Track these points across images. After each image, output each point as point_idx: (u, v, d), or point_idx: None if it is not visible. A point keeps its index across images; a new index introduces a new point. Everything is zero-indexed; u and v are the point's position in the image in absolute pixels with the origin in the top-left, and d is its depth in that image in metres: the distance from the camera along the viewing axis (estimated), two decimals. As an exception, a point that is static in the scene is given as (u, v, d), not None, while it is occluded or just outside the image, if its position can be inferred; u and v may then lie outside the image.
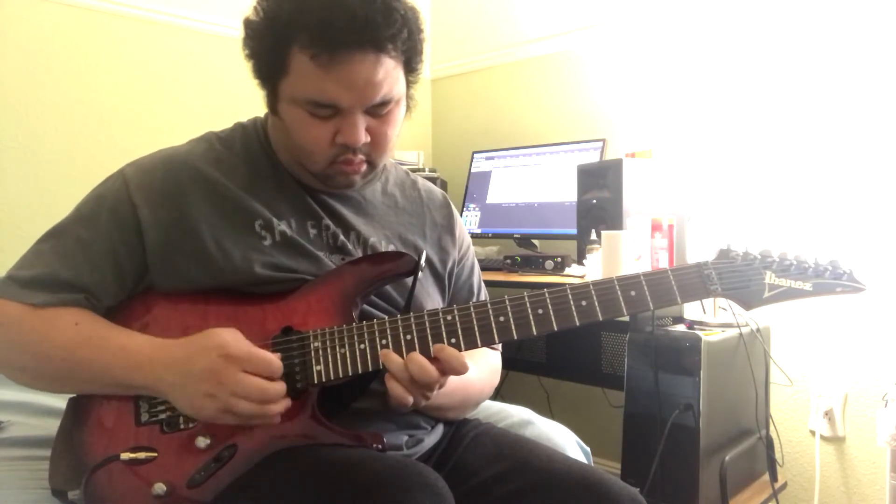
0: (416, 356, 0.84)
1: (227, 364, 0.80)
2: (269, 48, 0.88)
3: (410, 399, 0.84)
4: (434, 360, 0.84)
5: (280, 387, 0.82)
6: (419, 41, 0.93)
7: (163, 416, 0.87)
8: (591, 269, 1.80)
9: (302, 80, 0.87)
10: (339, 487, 0.78)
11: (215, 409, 0.81)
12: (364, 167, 0.96)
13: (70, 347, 0.86)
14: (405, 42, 0.89)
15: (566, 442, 1.22)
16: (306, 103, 0.88)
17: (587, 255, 1.84)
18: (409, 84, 0.96)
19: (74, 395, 0.91)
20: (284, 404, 0.83)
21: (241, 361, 0.81)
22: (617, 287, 0.86)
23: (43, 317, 0.87)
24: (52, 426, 0.92)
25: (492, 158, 2.56)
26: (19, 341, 0.88)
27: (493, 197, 2.50)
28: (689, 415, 1.57)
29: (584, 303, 0.86)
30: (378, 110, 0.91)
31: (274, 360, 0.83)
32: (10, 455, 1.11)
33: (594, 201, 1.91)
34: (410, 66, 0.94)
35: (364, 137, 0.91)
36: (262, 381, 0.81)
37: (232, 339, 0.83)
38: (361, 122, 0.90)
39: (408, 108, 0.98)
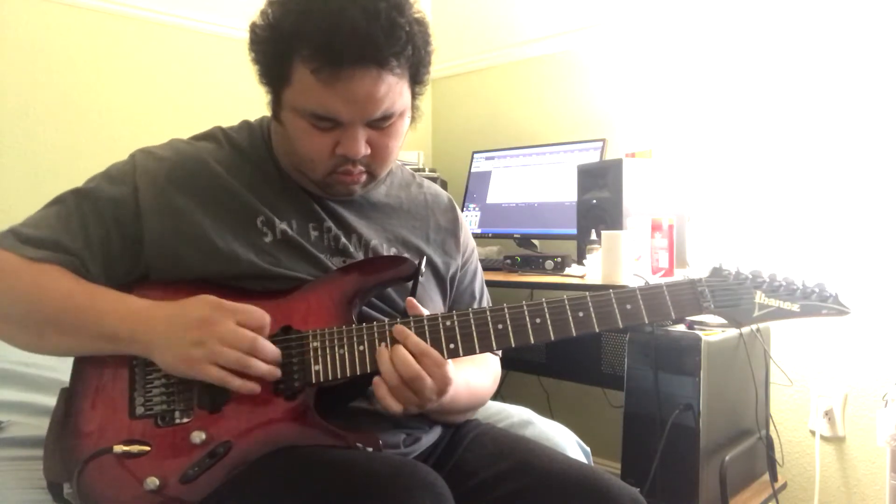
0: (400, 349, 0.85)
1: (219, 313, 0.83)
2: (272, 57, 0.89)
3: (399, 406, 0.84)
4: (421, 356, 0.85)
5: (269, 347, 0.84)
6: (426, 54, 0.92)
7: (158, 408, 0.87)
8: (591, 269, 1.80)
9: (303, 92, 0.87)
10: (337, 487, 0.78)
11: (202, 356, 0.81)
12: (364, 178, 0.96)
13: (67, 293, 0.87)
14: (409, 58, 0.88)
15: (566, 442, 1.22)
16: (307, 115, 0.89)
17: (587, 255, 1.83)
18: (414, 95, 0.95)
19: (59, 355, 0.91)
20: (269, 368, 0.83)
21: (233, 312, 0.83)
22: (613, 300, 0.88)
23: (40, 268, 0.88)
24: (52, 426, 0.91)
25: (492, 158, 2.56)
26: (12, 288, 0.88)
27: (493, 197, 2.50)
28: (689, 415, 1.57)
29: (581, 314, 0.88)
30: (379, 123, 0.91)
31: (263, 314, 0.84)
32: (10, 455, 1.11)
33: (594, 201, 1.91)
34: (416, 79, 0.94)
35: (364, 150, 0.91)
36: (249, 331, 0.82)
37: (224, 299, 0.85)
38: (362, 135, 0.90)
39: (413, 118, 0.98)
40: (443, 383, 0.86)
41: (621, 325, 0.88)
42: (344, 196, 1.01)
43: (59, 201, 0.94)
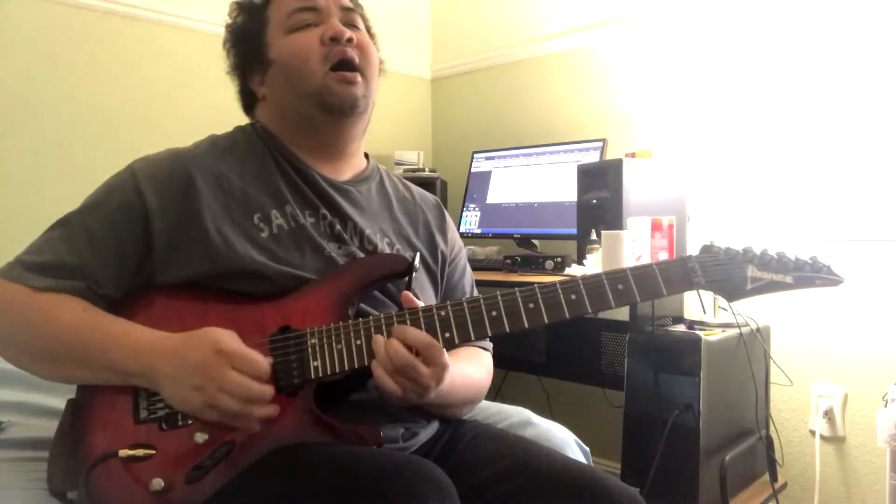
0: (393, 340, 0.86)
1: (217, 359, 0.82)
2: (250, 11, 1.07)
3: (396, 388, 0.85)
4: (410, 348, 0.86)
5: (266, 389, 0.83)
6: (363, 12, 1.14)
7: (161, 412, 0.87)
8: (591, 270, 1.80)
9: (281, 5, 1.04)
10: (342, 482, 0.78)
11: (201, 402, 0.82)
12: (359, 79, 1.03)
13: (74, 328, 0.88)
14: None
15: (566, 442, 1.22)
16: (290, 17, 1.03)
17: (587, 255, 1.84)
18: (371, 36, 1.11)
19: (70, 382, 0.92)
20: (269, 409, 0.83)
21: (231, 358, 0.82)
22: (605, 281, 0.89)
23: (48, 300, 0.89)
24: (52, 427, 0.92)
25: (492, 158, 2.56)
26: (23, 320, 0.89)
27: (493, 197, 2.50)
28: (689, 415, 1.57)
29: (573, 296, 0.89)
30: (349, 18, 1.06)
31: (262, 361, 0.84)
32: (11, 456, 1.11)
33: (594, 201, 1.91)
34: (366, 25, 1.12)
35: (347, 32, 1.02)
36: (248, 380, 0.82)
37: (226, 336, 0.85)
38: (340, 24, 1.04)
39: (380, 68, 1.11)
40: (441, 369, 0.87)
41: (614, 305, 0.88)
42: (349, 106, 1.03)
43: (62, 223, 0.95)
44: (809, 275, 0.90)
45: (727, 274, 0.90)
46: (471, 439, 1.03)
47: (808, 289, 0.91)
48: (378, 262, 0.99)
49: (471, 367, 1.07)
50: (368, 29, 1.12)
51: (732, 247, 0.92)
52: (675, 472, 1.59)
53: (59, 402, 0.92)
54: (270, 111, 1.08)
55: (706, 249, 0.93)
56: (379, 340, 0.87)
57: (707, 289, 0.91)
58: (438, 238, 1.15)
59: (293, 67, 1.02)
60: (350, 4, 1.08)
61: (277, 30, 1.04)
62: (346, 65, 1.02)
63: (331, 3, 1.05)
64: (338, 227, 1.02)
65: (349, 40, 1.02)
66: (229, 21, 1.10)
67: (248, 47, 1.07)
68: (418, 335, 0.86)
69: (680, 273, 0.90)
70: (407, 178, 1.25)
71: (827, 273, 0.91)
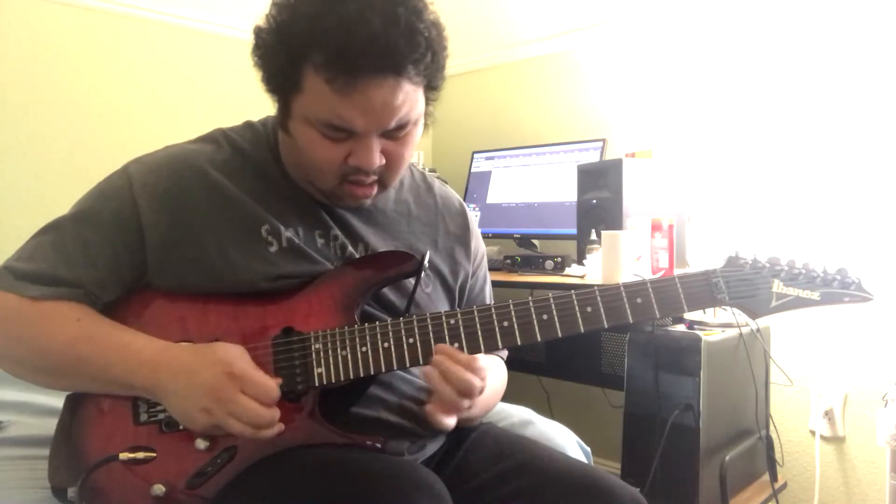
0: (453, 366, 0.84)
1: (228, 382, 0.80)
2: (281, 63, 0.84)
3: (452, 420, 0.87)
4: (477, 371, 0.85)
5: (275, 414, 0.81)
6: (443, 59, 0.87)
7: (162, 415, 0.86)
8: (591, 269, 1.80)
9: (316, 101, 0.83)
10: (337, 488, 0.78)
11: (209, 423, 0.80)
12: (375, 189, 0.93)
13: (71, 343, 0.84)
14: (428, 65, 0.84)
15: (566, 442, 1.22)
16: (320, 125, 0.85)
17: (587, 255, 1.84)
18: (428, 101, 0.91)
19: (72, 391, 0.91)
20: (275, 430, 0.82)
21: (242, 382, 0.80)
22: (623, 294, 0.85)
23: (42, 310, 0.85)
24: (52, 426, 0.91)
25: (492, 158, 2.56)
26: (17, 334, 0.86)
27: (493, 197, 2.50)
28: (689, 415, 1.57)
29: (589, 309, 0.85)
30: (395, 133, 0.88)
31: (273, 386, 0.82)
32: (11, 455, 1.11)
33: (594, 201, 1.91)
34: (431, 85, 0.89)
35: (378, 160, 0.88)
36: (258, 406, 0.80)
37: (238, 356, 0.83)
38: (376, 146, 0.87)
39: (425, 125, 0.94)
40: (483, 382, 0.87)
41: (632, 321, 0.84)
42: (353, 207, 0.98)
43: (54, 228, 0.90)
44: (838, 291, 0.85)
45: (752, 290, 0.85)
46: (473, 440, 1.03)
47: (835, 306, 0.85)
48: (386, 260, 0.95)
49: (492, 378, 1.03)
50: (427, 109, 0.91)
51: (759, 258, 0.86)
52: (675, 472, 1.59)
53: (59, 402, 0.92)
54: (284, 142, 0.96)
55: (731, 262, 0.87)
56: (434, 376, 0.84)
57: (731, 306, 0.86)
58: (460, 251, 1.08)
59: (306, 163, 0.90)
60: (406, 118, 0.86)
61: (303, 116, 0.86)
62: (365, 181, 0.91)
63: (372, 129, 0.85)
64: (349, 248, 0.97)
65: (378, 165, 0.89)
66: (263, 26, 0.87)
67: (272, 88, 0.89)
68: (469, 359, 0.85)
69: (703, 288, 0.85)
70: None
71: (856, 290, 0.85)
